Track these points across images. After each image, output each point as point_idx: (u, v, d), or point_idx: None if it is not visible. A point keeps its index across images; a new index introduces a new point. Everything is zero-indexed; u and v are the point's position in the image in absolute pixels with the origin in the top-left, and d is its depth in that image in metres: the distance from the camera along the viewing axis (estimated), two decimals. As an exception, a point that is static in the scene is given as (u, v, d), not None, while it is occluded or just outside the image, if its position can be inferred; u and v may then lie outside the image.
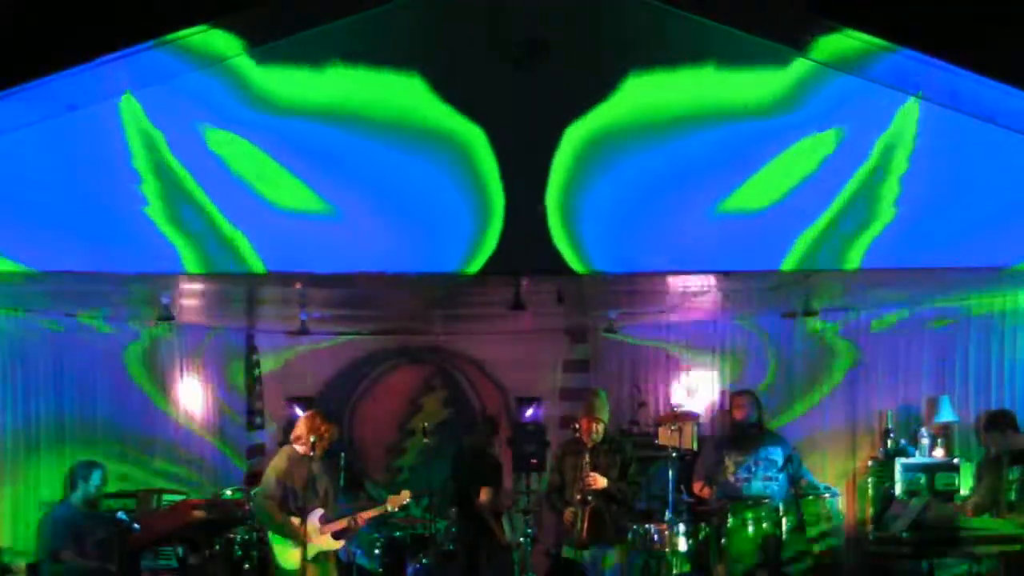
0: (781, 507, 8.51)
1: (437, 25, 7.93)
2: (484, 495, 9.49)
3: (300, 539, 8.11)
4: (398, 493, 8.70)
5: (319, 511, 8.29)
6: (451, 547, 9.57)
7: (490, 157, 7.86)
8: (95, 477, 8.61)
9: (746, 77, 7.89)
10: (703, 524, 8.87)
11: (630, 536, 8.41)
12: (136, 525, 8.36)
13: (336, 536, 8.33)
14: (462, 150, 7.87)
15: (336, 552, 8.45)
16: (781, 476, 8.70)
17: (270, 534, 8.26)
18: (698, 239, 7.92)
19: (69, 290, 8.72)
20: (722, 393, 10.73)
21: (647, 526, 8.58)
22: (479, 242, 7.88)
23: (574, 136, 7.86)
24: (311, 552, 8.16)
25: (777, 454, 8.74)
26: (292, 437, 8.39)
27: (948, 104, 7.85)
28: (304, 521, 8.17)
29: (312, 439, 8.21)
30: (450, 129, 7.86)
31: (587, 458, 8.00)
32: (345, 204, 7.88)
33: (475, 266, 7.88)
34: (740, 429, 8.87)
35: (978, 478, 8.59)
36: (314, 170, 7.87)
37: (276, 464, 8.33)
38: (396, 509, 8.72)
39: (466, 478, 9.63)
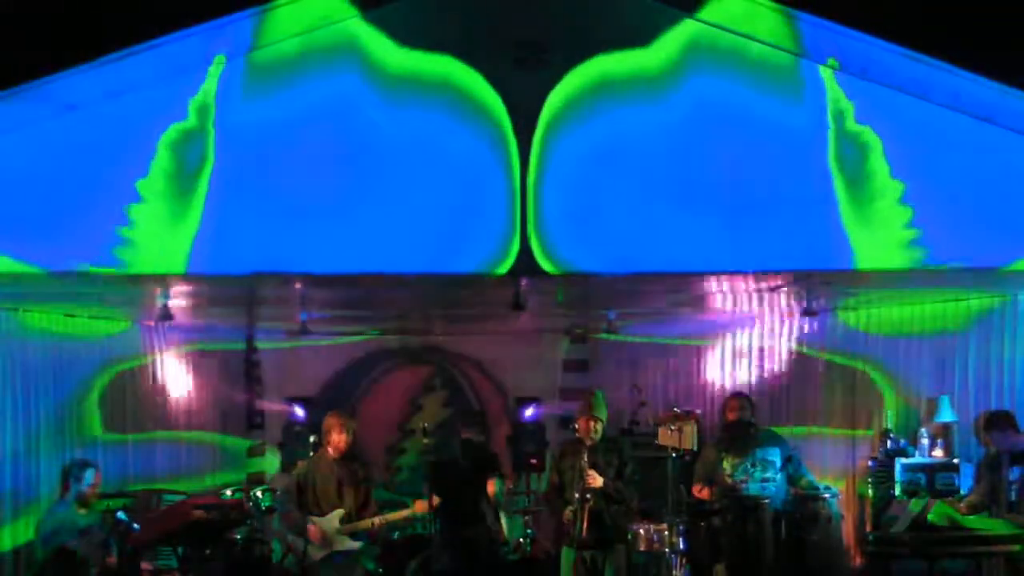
0: (780, 507, 8.52)
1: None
2: (492, 487, 9.45)
3: (315, 540, 8.38)
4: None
5: (339, 511, 8.48)
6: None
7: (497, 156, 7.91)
8: (88, 476, 8.63)
9: (749, 80, 7.94)
10: (702, 524, 8.87)
11: (630, 536, 8.41)
12: (136, 525, 8.37)
13: (355, 537, 8.50)
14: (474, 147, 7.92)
15: (357, 552, 8.59)
16: (780, 477, 8.71)
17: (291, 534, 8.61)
18: (698, 239, 7.93)
19: (69, 290, 8.73)
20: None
21: (647, 526, 8.59)
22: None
23: (573, 134, 7.89)
24: (328, 551, 8.41)
25: (775, 455, 8.75)
26: (325, 440, 8.65)
27: (948, 104, 7.87)
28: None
29: (340, 439, 8.56)
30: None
31: (584, 457, 8.00)
32: (349, 204, 7.90)
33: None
34: (735, 431, 8.89)
35: (977, 478, 8.59)
36: (319, 169, 7.89)
37: (301, 467, 8.68)
38: (420, 514, 8.73)
39: (469, 473, 9.53)
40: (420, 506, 8.63)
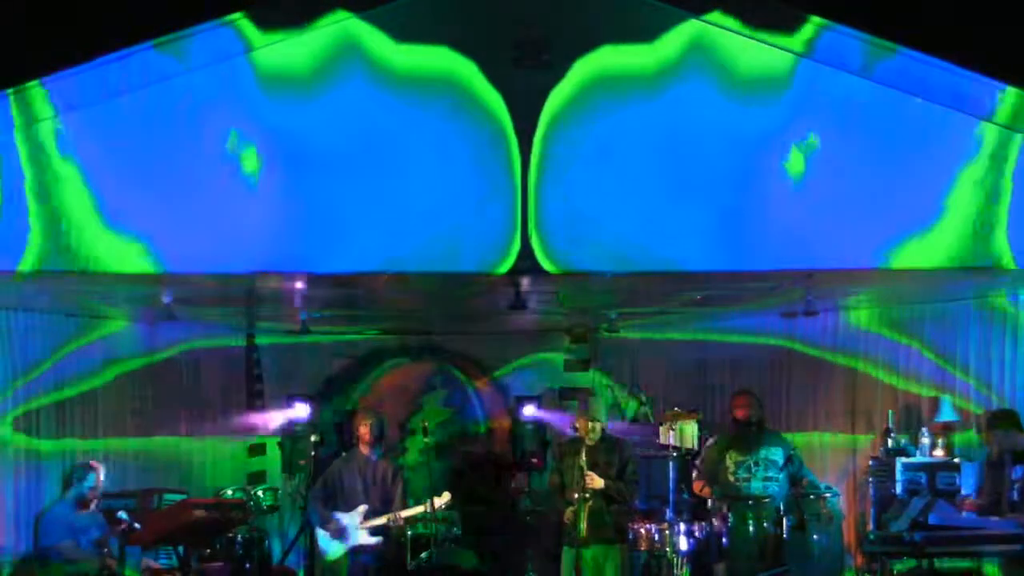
0: (782, 506, 8.52)
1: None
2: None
3: (337, 535, 8.72)
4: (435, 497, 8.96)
5: (363, 507, 8.75)
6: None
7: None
8: (90, 479, 8.66)
9: (750, 80, 7.94)
10: (704, 523, 8.87)
11: (631, 536, 8.40)
12: (136, 525, 8.37)
13: (373, 532, 8.70)
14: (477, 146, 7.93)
15: (372, 548, 8.83)
16: (782, 476, 8.70)
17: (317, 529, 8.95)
18: (699, 239, 7.93)
19: (69, 290, 8.72)
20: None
21: (648, 526, 8.58)
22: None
23: (574, 134, 7.89)
24: (349, 546, 8.73)
25: (778, 454, 8.75)
26: (356, 437, 9.13)
27: (947, 104, 7.87)
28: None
29: (365, 431, 9.00)
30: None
31: (584, 457, 7.99)
32: (349, 203, 7.89)
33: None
34: (740, 429, 8.88)
35: (981, 478, 8.56)
36: (319, 169, 7.89)
37: (334, 463, 9.15)
38: (435, 510, 8.85)
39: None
40: (436, 502, 8.78)
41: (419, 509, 8.89)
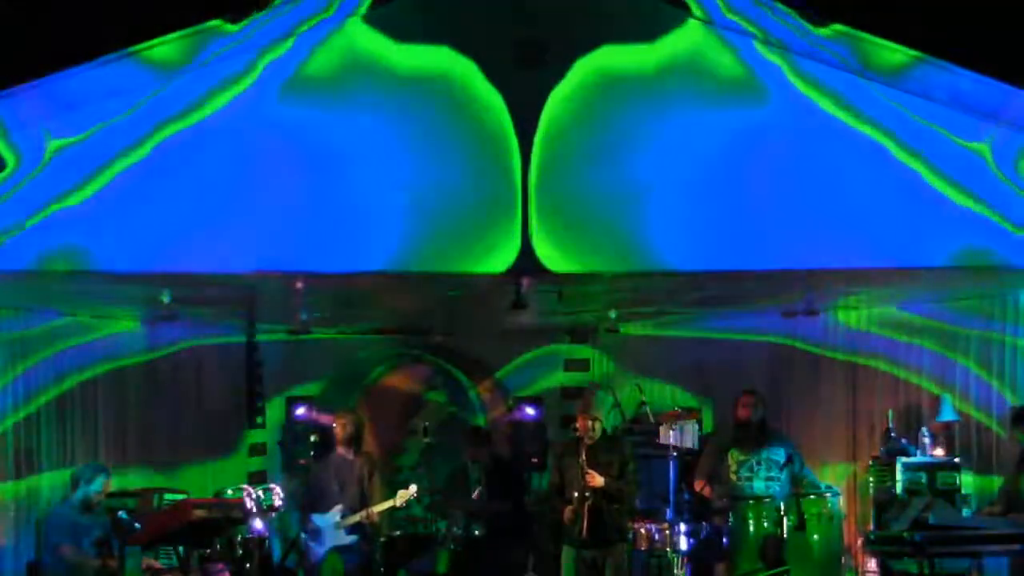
0: (783, 506, 8.52)
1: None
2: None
3: (315, 537, 8.87)
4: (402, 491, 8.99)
5: (339, 507, 8.88)
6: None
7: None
8: (97, 483, 8.63)
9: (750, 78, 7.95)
10: (704, 523, 8.87)
11: (631, 535, 8.41)
12: (136, 524, 8.37)
13: (349, 531, 8.82)
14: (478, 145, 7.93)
15: (355, 547, 8.94)
16: (783, 475, 8.71)
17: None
18: (699, 238, 7.93)
19: (69, 289, 8.72)
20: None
21: (648, 525, 8.59)
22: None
23: (573, 134, 7.89)
24: (329, 547, 8.88)
25: (779, 453, 8.76)
26: (335, 436, 9.21)
27: (949, 104, 7.87)
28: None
29: (341, 433, 9.11)
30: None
31: (584, 456, 8.00)
32: (350, 203, 7.89)
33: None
34: (743, 428, 8.88)
35: (1003, 483, 8.46)
36: (319, 168, 7.89)
37: (314, 466, 9.33)
38: (403, 504, 9.07)
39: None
40: (401, 496, 8.96)
41: (387, 504, 9.02)
